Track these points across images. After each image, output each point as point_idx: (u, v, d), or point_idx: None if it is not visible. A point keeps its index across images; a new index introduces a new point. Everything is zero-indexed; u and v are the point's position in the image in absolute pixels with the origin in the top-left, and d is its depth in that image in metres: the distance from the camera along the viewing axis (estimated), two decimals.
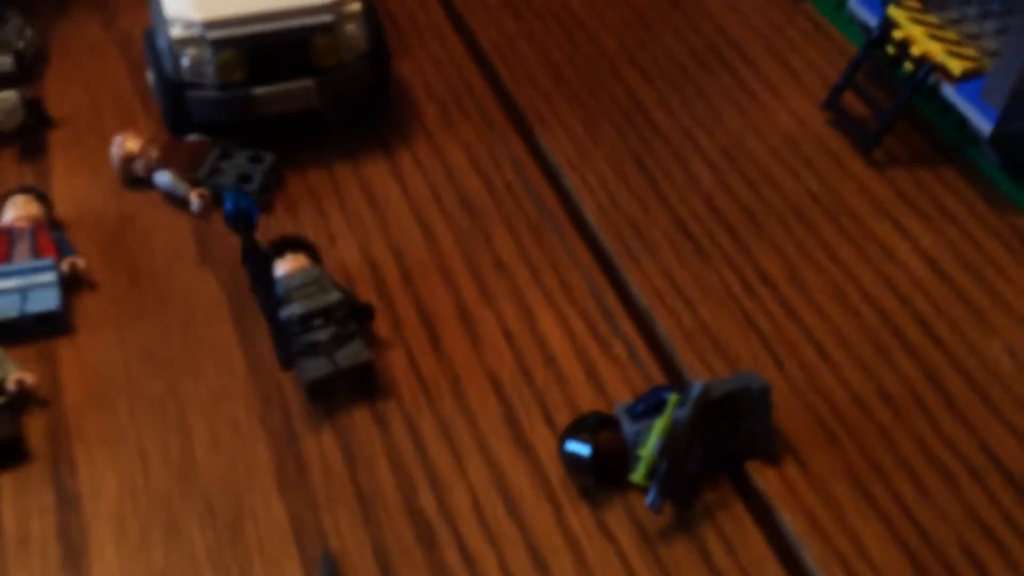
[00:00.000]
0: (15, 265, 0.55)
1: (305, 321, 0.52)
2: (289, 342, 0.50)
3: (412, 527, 0.47)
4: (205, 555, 0.45)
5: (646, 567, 0.45)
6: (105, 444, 0.50)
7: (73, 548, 0.45)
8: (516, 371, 0.54)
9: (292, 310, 0.52)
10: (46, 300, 0.54)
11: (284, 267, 0.54)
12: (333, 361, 0.51)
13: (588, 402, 0.52)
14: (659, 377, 0.53)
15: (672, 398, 0.47)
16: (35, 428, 0.50)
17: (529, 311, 0.56)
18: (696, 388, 0.47)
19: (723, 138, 0.67)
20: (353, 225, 0.62)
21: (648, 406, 0.48)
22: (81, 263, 0.57)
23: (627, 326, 0.55)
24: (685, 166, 0.65)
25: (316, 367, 0.50)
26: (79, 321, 0.55)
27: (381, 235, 0.61)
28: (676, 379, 0.53)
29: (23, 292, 0.54)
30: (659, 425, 0.46)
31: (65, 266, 0.56)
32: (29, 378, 0.50)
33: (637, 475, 0.46)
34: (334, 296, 0.53)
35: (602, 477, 0.48)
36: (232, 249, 0.59)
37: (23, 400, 0.51)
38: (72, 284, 0.56)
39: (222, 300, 0.57)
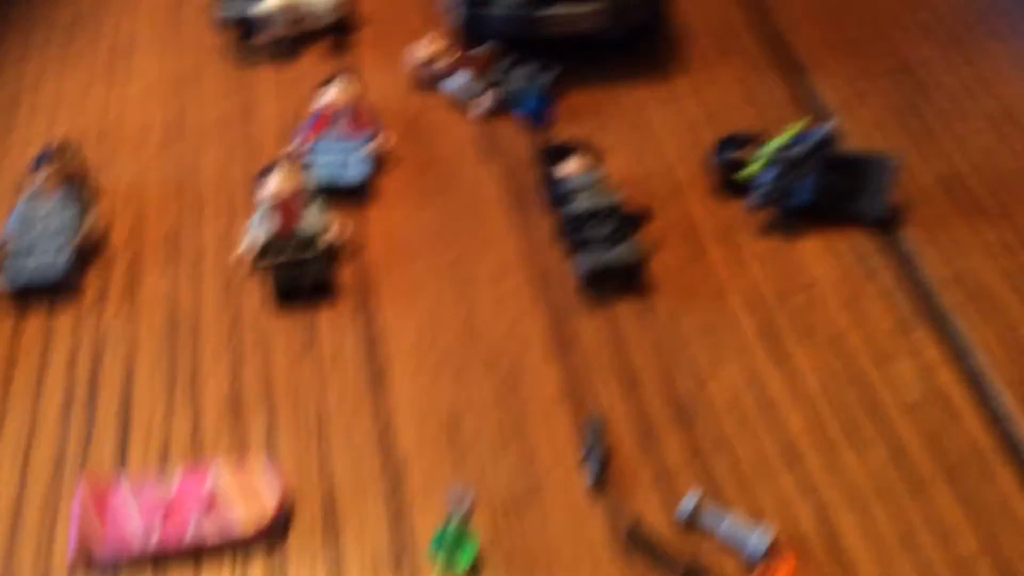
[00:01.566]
0: (337, 138, 0.63)
1: (585, 218, 0.57)
2: (571, 232, 0.55)
3: (671, 409, 0.51)
4: (486, 399, 0.51)
5: None
6: (403, 296, 0.57)
7: (377, 372, 0.52)
8: (775, 291, 0.57)
9: (573, 206, 0.57)
10: (360, 169, 0.61)
11: (568, 167, 0.59)
12: (609, 256, 0.55)
13: (838, 328, 0.54)
14: None
15: (803, 121, 0.57)
16: (347, 276, 0.57)
17: (791, 242, 0.59)
18: (827, 126, 0.57)
19: (1007, 98, 0.67)
20: (625, 140, 0.66)
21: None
22: (390, 142, 0.64)
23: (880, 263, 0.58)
24: (963, 121, 0.66)
25: (593, 259, 0.55)
26: (383, 193, 0.62)
27: (652, 152, 0.65)
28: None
29: (342, 161, 0.62)
30: (782, 137, 0.56)
31: (377, 143, 0.63)
32: (347, 230, 0.58)
33: (747, 170, 0.57)
34: (613, 198, 0.57)
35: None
36: (510, 152, 0.65)
37: (336, 252, 0.58)
38: (380, 161, 0.64)
39: (502, 194, 0.63)
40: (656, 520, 0.46)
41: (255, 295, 0.56)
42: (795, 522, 0.46)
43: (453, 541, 0.45)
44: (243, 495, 0.47)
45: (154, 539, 0.46)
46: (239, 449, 0.49)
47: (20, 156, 0.64)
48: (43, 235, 0.57)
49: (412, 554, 0.45)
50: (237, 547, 0.46)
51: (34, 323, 0.55)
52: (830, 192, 0.59)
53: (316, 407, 0.51)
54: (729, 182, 0.61)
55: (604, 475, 0.48)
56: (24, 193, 0.59)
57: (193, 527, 0.46)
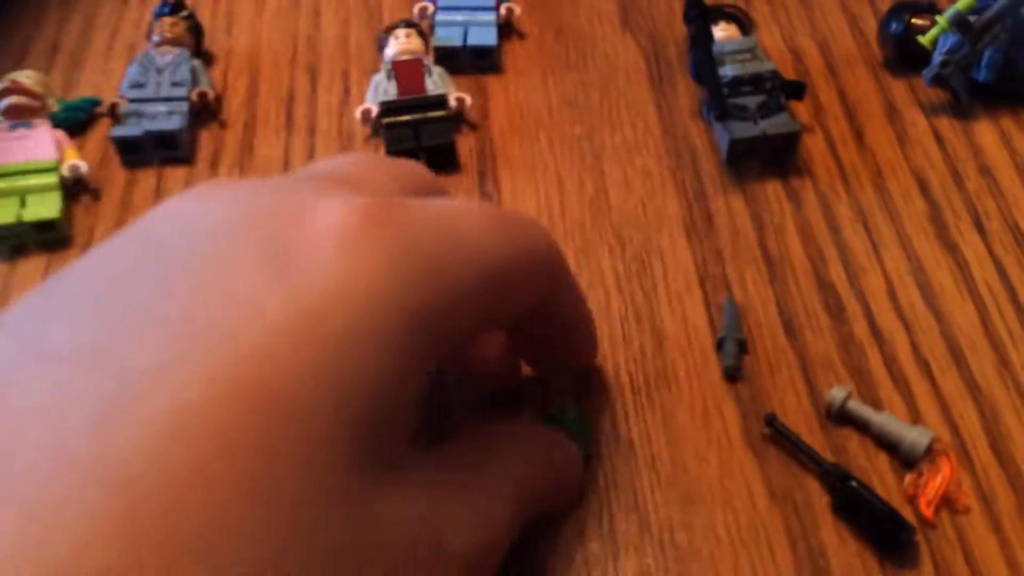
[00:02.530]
0: (462, 3, 0.59)
1: (735, 85, 0.51)
2: (724, 95, 0.50)
3: (820, 295, 0.46)
4: (613, 279, 0.47)
5: None
6: (526, 169, 0.52)
7: None
8: (946, 175, 0.50)
9: (723, 71, 0.51)
10: (484, 36, 0.57)
11: (718, 33, 0.54)
12: (760, 127, 0.50)
13: (1016, 218, 0.48)
14: None
15: None
16: (465, 146, 0.54)
17: (966, 122, 0.52)
18: None
19: None
20: (778, 13, 0.59)
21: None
22: (517, 9, 0.59)
23: None
24: None
25: (742, 128, 0.50)
26: (508, 63, 0.58)
27: (807, 25, 0.59)
28: None
29: (465, 26, 0.58)
30: (964, 0, 0.48)
31: (503, 10, 0.59)
32: (468, 98, 0.54)
33: (926, 38, 0.50)
34: (767, 66, 0.51)
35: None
36: (652, 20, 0.59)
37: (459, 119, 0.55)
38: (506, 29, 0.59)
39: (641, 64, 0.57)
40: (796, 415, 0.42)
41: None
42: (958, 423, 0.41)
43: (572, 424, 0.41)
44: None
45: None
46: None
47: (136, 19, 0.63)
48: (158, 91, 0.55)
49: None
50: None
51: (144, 180, 0.53)
52: (1018, 67, 0.51)
53: None
54: (901, 54, 0.54)
55: (740, 363, 0.43)
56: (143, 48, 0.57)
57: None
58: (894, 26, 0.54)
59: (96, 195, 0.53)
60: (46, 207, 0.50)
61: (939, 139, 0.52)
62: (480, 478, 0.32)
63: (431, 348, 0.28)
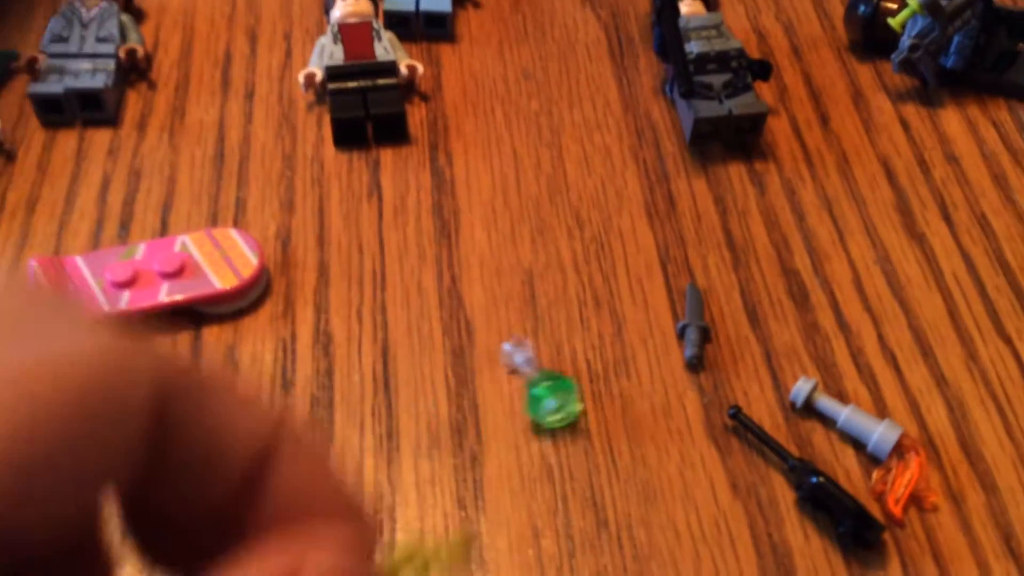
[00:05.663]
0: None
1: (700, 62, 0.49)
2: (691, 71, 0.48)
3: (784, 283, 0.44)
4: (570, 260, 0.45)
5: None
6: (480, 143, 0.50)
7: (446, 225, 0.46)
8: (912, 162, 0.49)
9: (688, 47, 0.49)
10: (439, 2, 0.54)
11: (683, 8, 0.52)
12: (725, 106, 0.48)
13: (994, 208, 0.47)
14: None
15: None
16: (416, 117, 0.51)
17: (933, 109, 0.51)
18: None
19: None
20: None
21: None
22: None
23: None
24: None
25: (707, 107, 0.48)
26: (462, 32, 0.55)
27: (772, 6, 0.57)
28: None
29: None
30: None
31: None
32: (420, 66, 0.51)
33: (896, 20, 0.49)
34: (733, 44, 0.49)
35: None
36: None
37: (409, 88, 0.51)
38: None
39: (601, 38, 0.55)
40: (760, 406, 0.40)
41: (312, 133, 0.50)
42: (925, 417, 0.40)
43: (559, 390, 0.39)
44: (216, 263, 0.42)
45: (121, 301, 0.41)
46: (284, 299, 0.44)
47: None
48: (83, 46, 0.50)
49: (473, 427, 0.39)
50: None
51: (65, 142, 0.49)
52: (986, 55, 0.50)
53: (372, 258, 0.45)
54: (867, 37, 0.53)
55: (703, 351, 0.41)
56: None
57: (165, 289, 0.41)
58: (862, 8, 0.52)
59: (11, 156, 0.48)
60: None
61: (905, 125, 0.51)
62: None
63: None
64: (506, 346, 0.41)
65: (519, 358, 0.40)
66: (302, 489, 0.21)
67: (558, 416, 0.39)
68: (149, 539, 0.21)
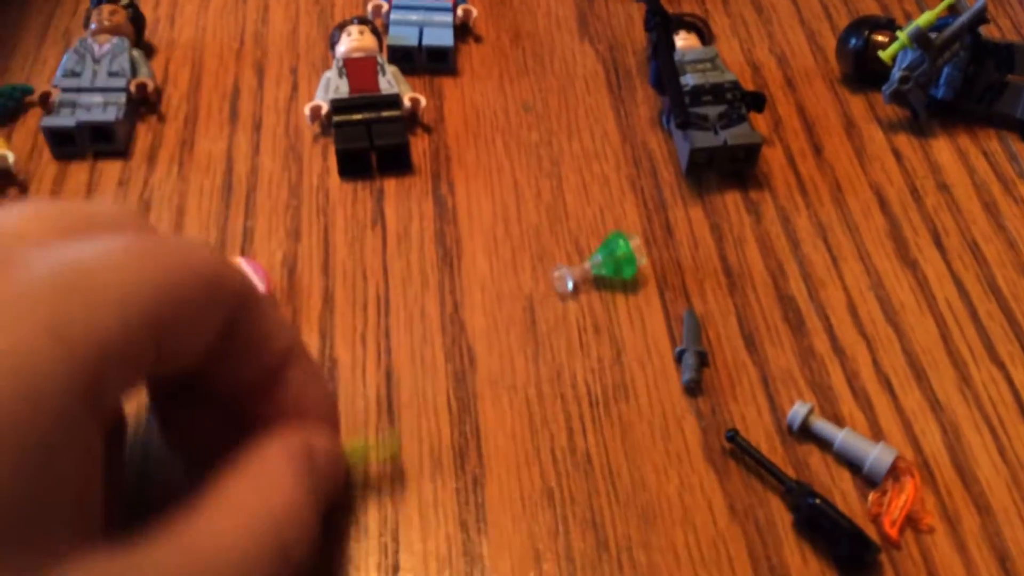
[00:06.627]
0: (416, 2, 0.57)
1: (695, 94, 0.50)
2: (686, 103, 0.49)
3: (780, 308, 0.45)
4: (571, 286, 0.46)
5: None
6: (482, 173, 0.51)
7: (448, 252, 0.47)
8: (904, 191, 0.50)
9: (684, 80, 0.50)
10: (441, 37, 0.55)
11: (678, 42, 0.53)
12: (720, 137, 0.49)
13: (985, 235, 0.48)
14: None
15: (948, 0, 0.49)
16: (419, 147, 0.52)
17: (924, 139, 0.52)
18: (979, 3, 0.49)
19: None
20: (737, 27, 0.59)
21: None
22: (474, 12, 0.58)
23: None
24: None
25: (702, 138, 0.49)
26: (464, 65, 0.56)
27: (765, 39, 0.58)
28: None
29: (420, 26, 0.56)
30: (927, 15, 0.49)
31: (459, 11, 0.57)
32: (423, 99, 0.52)
33: (886, 53, 0.50)
34: (727, 76, 0.51)
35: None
36: (611, 28, 0.58)
37: (412, 120, 0.53)
38: (462, 31, 0.58)
39: (599, 72, 0.56)
40: (758, 429, 0.40)
41: (318, 164, 0.51)
42: (919, 440, 0.40)
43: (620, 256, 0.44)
44: None
45: None
46: (293, 320, 0.44)
47: (73, 5, 0.59)
48: (94, 80, 0.52)
49: (475, 450, 0.40)
50: None
51: (76, 174, 0.50)
52: (975, 86, 0.52)
53: (376, 285, 0.46)
54: (859, 70, 0.54)
55: (700, 376, 0.42)
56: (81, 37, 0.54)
57: None
58: (853, 41, 0.54)
59: (23, 188, 0.49)
60: None
61: (897, 155, 0.52)
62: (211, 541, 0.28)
63: (85, 411, 0.25)
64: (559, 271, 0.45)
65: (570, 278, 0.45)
66: (305, 392, 0.33)
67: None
68: (186, 420, 0.34)
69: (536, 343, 0.43)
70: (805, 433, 0.40)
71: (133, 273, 0.27)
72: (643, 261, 0.45)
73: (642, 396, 0.42)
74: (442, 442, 0.40)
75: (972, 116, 0.53)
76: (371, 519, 0.38)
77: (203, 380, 0.32)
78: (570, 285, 0.45)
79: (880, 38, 0.53)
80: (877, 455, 0.39)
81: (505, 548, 0.37)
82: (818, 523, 0.37)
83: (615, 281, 0.45)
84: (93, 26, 0.54)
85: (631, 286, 0.45)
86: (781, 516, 0.38)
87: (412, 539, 0.37)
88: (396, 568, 0.36)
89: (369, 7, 0.57)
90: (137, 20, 0.56)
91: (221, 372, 0.32)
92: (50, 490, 0.23)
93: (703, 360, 0.43)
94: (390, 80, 0.52)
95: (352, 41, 0.53)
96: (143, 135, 0.52)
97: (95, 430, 0.25)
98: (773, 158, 0.51)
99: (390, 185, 0.50)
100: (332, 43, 0.55)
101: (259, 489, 0.29)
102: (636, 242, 0.45)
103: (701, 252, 0.47)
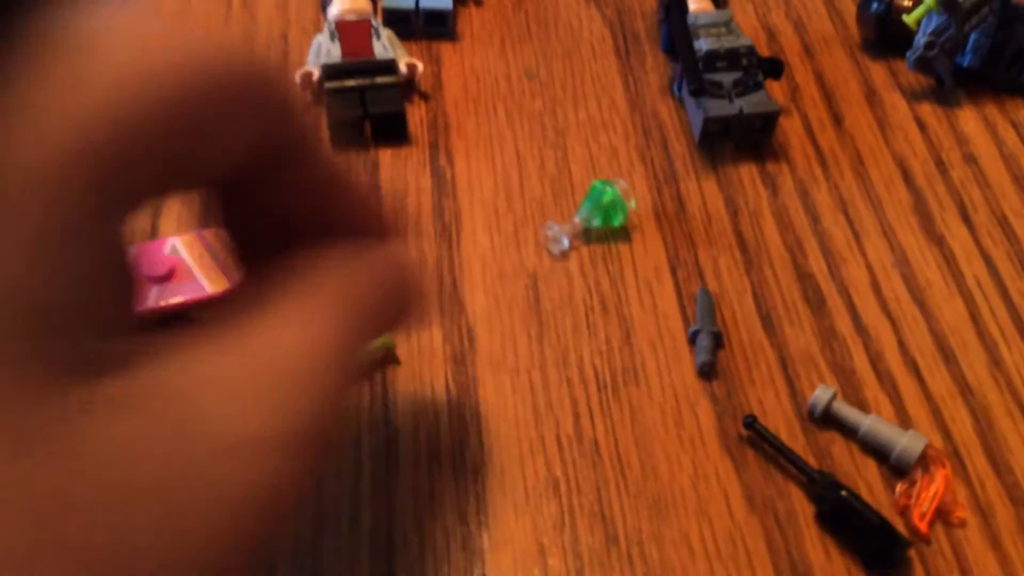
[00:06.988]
0: None
1: (709, 60, 0.47)
2: (700, 69, 0.46)
3: (799, 287, 0.42)
4: (577, 265, 0.43)
5: None
6: (482, 143, 0.48)
7: (446, 227, 0.44)
8: (929, 162, 0.47)
9: (697, 45, 0.48)
10: (439, 0, 0.53)
11: (691, 5, 0.50)
12: (735, 105, 0.46)
13: (1015, 210, 0.45)
14: None
15: None
16: (416, 116, 0.49)
17: (949, 108, 0.50)
18: None
19: None
20: None
21: None
22: None
23: None
24: None
25: (717, 106, 0.46)
26: (463, 30, 0.53)
27: (781, 3, 0.55)
28: None
29: None
30: None
31: None
32: (420, 65, 0.49)
33: (910, 17, 0.48)
34: (743, 41, 0.48)
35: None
36: None
37: (409, 87, 0.50)
38: None
39: (606, 37, 0.53)
40: (776, 415, 0.38)
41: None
42: (950, 427, 0.38)
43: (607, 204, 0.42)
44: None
45: None
46: None
47: None
48: None
49: (475, 437, 0.38)
50: None
51: None
52: (1004, 53, 0.49)
53: None
54: (880, 35, 0.51)
55: (715, 358, 0.39)
56: None
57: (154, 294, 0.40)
58: (875, 5, 0.51)
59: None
60: None
61: (921, 125, 0.49)
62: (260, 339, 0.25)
63: (105, 201, 0.22)
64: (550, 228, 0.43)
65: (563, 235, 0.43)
66: (359, 214, 0.28)
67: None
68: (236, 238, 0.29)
69: (540, 323, 0.41)
70: (827, 419, 0.38)
71: (155, 52, 0.23)
72: (632, 205, 0.43)
73: (653, 380, 0.39)
74: (440, 429, 0.38)
75: (1000, 85, 0.50)
76: (364, 511, 0.35)
77: (248, 199, 0.28)
78: (566, 243, 0.43)
79: (904, 2, 0.50)
80: (906, 444, 0.36)
81: (507, 542, 0.35)
82: (843, 516, 0.35)
83: (624, 257, 0.43)
84: None
85: (641, 262, 0.43)
86: (802, 508, 0.36)
87: (407, 532, 0.35)
88: (391, 563, 0.34)
89: None
90: None
91: (264, 191, 0.28)
92: (68, 282, 0.21)
93: (718, 341, 0.40)
94: (385, 44, 0.49)
95: (345, 3, 0.50)
96: None
97: (112, 219, 0.23)
98: (790, 128, 0.49)
99: (385, 155, 0.47)
100: (324, 5, 0.52)
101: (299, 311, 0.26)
102: (622, 185, 0.43)
103: (715, 227, 0.44)
